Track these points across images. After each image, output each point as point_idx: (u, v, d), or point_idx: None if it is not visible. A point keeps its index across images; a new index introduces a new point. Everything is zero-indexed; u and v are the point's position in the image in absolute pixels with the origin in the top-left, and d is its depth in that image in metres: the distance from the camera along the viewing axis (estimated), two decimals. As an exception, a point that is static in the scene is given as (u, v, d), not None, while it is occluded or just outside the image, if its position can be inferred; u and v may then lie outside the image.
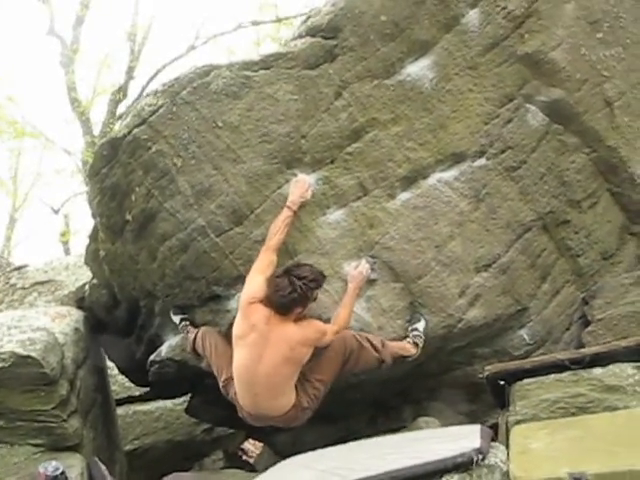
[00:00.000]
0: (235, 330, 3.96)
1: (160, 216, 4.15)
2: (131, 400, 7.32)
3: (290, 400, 3.94)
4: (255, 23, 12.81)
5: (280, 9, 12.76)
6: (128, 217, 4.25)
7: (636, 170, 4.85)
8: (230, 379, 4.08)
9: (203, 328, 4.35)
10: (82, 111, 12.94)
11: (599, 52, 4.72)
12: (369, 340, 4.15)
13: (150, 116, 4.03)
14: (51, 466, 4.15)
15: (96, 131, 12.92)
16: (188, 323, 4.47)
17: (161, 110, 4.03)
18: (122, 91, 12.92)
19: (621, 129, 4.82)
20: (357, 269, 4.20)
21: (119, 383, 7.20)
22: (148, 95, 4.11)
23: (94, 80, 14.61)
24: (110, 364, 6.46)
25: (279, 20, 12.66)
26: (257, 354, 3.85)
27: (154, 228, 4.22)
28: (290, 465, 3.72)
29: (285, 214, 4.06)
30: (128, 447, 6.93)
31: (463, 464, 3.05)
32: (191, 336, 4.38)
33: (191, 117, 4.06)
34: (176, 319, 4.53)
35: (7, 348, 4.40)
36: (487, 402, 4.52)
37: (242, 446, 7.96)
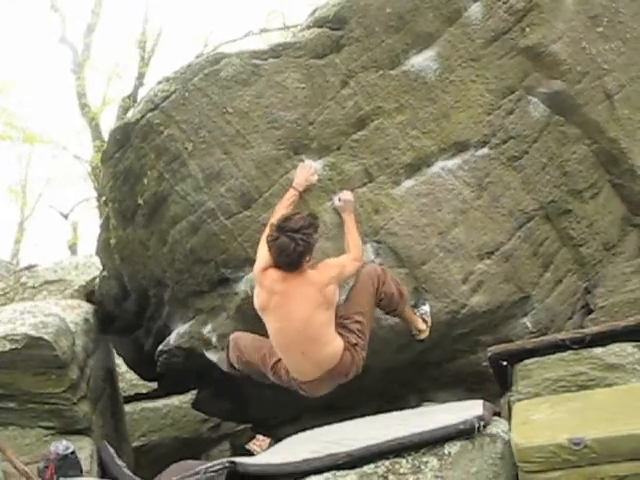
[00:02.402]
0: (257, 304, 3.93)
1: (171, 199, 4.26)
2: (138, 397, 7.43)
3: (338, 345, 3.86)
4: (263, 31, 13.03)
5: (287, 17, 12.96)
6: (140, 201, 4.36)
7: (636, 162, 4.90)
8: (277, 361, 3.99)
9: (231, 337, 4.28)
10: (92, 117, 13.12)
11: (599, 46, 4.81)
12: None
13: (162, 102, 4.16)
14: (62, 445, 4.24)
15: (106, 137, 13.06)
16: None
17: (173, 96, 4.16)
18: (132, 98, 13.09)
19: (621, 121, 4.89)
20: (341, 198, 4.24)
21: (127, 380, 7.31)
22: (161, 82, 4.24)
23: (104, 88, 14.84)
24: (118, 362, 6.56)
25: (287, 27, 12.85)
26: (285, 313, 3.80)
27: (165, 211, 4.33)
28: (297, 438, 3.80)
29: (290, 193, 4.17)
30: (135, 444, 7.02)
31: (465, 431, 3.14)
32: (224, 354, 4.37)
33: (202, 103, 4.19)
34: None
35: (20, 330, 4.51)
36: (491, 391, 4.56)
37: (247, 446, 8.03)
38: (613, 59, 4.86)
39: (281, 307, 3.81)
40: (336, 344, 3.85)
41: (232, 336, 4.28)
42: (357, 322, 3.95)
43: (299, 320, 3.78)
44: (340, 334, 3.90)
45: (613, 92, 4.86)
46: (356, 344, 3.90)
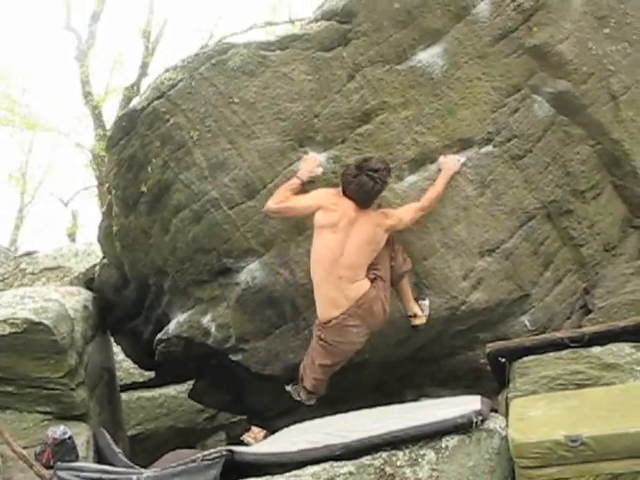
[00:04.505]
0: (323, 220, 4.12)
1: (175, 187, 4.28)
2: (135, 386, 7.44)
3: (366, 283, 4.17)
4: (268, 24, 13.01)
5: (293, 11, 12.94)
6: (143, 188, 4.37)
7: (639, 164, 4.93)
8: (323, 324, 4.17)
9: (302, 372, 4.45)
10: (95, 105, 13.12)
11: (605, 47, 4.81)
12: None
13: (169, 90, 4.17)
14: (60, 430, 4.26)
15: (108, 125, 13.05)
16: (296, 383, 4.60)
17: (180, 84, 4.17)
18: (135, 87, 13.08)
19: (625, 123, 4.90)
20: (448, 157, 4.46)
21: (124, 369, 7.32)
22: (168, 70, 4.25)
23: (107, 76, 14.81)
24: (115, 350, 6.56)
25: (292, 21, 12.83)
26: (345, 236, 4.10)
27: (168, 199, 4.34)
28: (295, 429, 3.81)
29: (293, 180, 4.21)
30: (131, 432, 7.04)
31: (463, 426, 3.15)
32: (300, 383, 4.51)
33: (209, 92, 4.20)
34: (289, 388, 4.67)
35: (20, 315, 4.53)
36: (488, 387, 4.57)
37: (242, 438, 8.04)
38: (619, 60, 4.87)
39: (345, 229, 4.10)
40: (365, 282, 4.18)
41: (303, 371, 4.44)
42: (376, 269, 4.23)
43: (354, 245, 4.11)
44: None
45: (618, 93, 4.87)
46: (375, 278, 4.20)
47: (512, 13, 4.63)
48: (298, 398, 4.60)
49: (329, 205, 4.14)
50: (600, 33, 4.82)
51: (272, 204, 4.12)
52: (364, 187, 4.11)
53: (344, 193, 4.19)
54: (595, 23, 4.82)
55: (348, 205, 4.15)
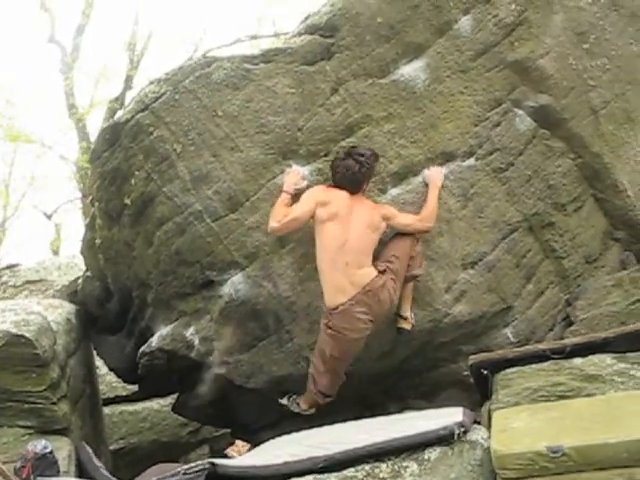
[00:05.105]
0: (323, 214, 4.20)
1: (158, 200, 4.28)
2: (118, 400, 7.37)
3: (373, 270, 4.25)
4: (253, 37, 13.06)
5: (278, 24, 12.99)
6: (127, 201, 4.37)
7: (619, 177, 4.99)
8: (330, 311, 4.22)
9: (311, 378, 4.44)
10: (79, 118, 13.08)
11: (585, 62, 4.89)
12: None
13: (153, 102, 4.18)
14: (40, 444, 4.19)
15: (92, 138, 13.02)
16: (292, 395, 4.63)
17: (164, 97, 4.18)
18: (120, 100, 13.06)
19: (605, 137, 4.97)
20: (432, 170, 4.53)
21: (106, 382, 7.25)
22: (152, 83, 4.26)
23: (92, 89, 14.78)
24: (98, 364, 6.52)
25: (277, 35, 12.89)
26: (346, 223, 4.21)
27: (152, 212, 4.34)
28: (279, 441, 3.80)
29: (283, 196, 4.23)
30: (113, 446, 6.96)
31: (445, 437, 3.17)
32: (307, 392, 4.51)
33: (192, 105, 4.21)
34: (284, 401, 4.67)
35: (2, 328, 4.49)
36: (472, 400, 4.60)
37: (226, 452, 7.99)
38: (599, 75, 4.94)
39: (346, 217, 4.21)
40: (372, 269, 4.26)
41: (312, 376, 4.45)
42: (389, 262, 4.31)
43: (354, 232, 4.21)
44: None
45: (598, 108, 4.95)
46: (384, 270, 4.27)
47: (493, 28, 4.69)
48: (297, 410, 4.59)
49: (324, 199, 4.23)
50: (580, 48, 4.89)
51: (275, 224, 4.15)
52: (351, 169, 4.24)
53: (334, 182, 4.31)
54: (575, 39, 4.89)
55: (341, 194, 4.26)
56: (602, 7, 4.97)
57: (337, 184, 4.31)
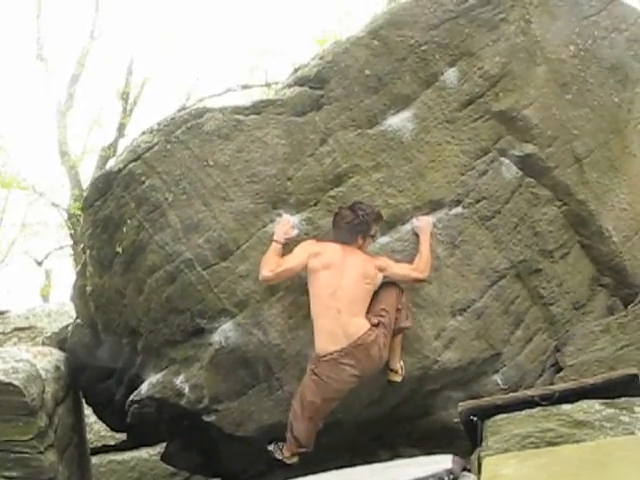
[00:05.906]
0: (317, 264, 4.25)
1: (149, 248, 4.32)
2: (106, 449, 7.27)
3: (365, 323, 4.25)
4: (245, 87, 13.27)
5: (270, 74, 13.20)
6: (118, 249, 4.40)
7: (604, 224, 5.07)
8: (319, 358, 4.22)
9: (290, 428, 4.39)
10: (72, 165, 13.17)
11: (569, 112, 5.01)
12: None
13: (145, 152, 4.26)
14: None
15: (85, 185, 13.09)
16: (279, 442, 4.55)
17: (156, 147, 4.26)
18: (112, 148, 13.19)
19: (590, 184, 5.07)
20: (420, 220, 4.58)
21: (95, 431, 7.16)
22: (144, 133, 4.34)
23: (85, 137, 14.91)
24: (87, 412, 6.45)
25: (268, 84, 13.10)
26: (340, 271, 4.24)
27: (143, 260, 4.37)
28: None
29: (274, 246, 4.28)
30: (101, 497, 6.86)
31: (435, 485, 3.15)
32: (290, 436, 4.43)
33: (184, 155, 4.29)
34: (270, 447, 4.60)
35: (-10, 375, 4.46)
36: (462, 447, 4.57)
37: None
38: (582, 125, 5.06)
39: (338, 267, 4.25)
40: (363, 321, 4.27)
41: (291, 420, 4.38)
42: (380, 315, 4.31)
43: (348, 280, 4.24)
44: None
45: (582, 156, 5.05)
46: (378, 324, 4.27)
47: (479, 80, 4.82)
48: (280, 457, 4.53)
49: (317, 250, 4.29)
50: (563, 99, 5.02)
51: (268, 273, 4.19)
52: (345, 218, 4.32)
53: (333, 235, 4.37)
54: (558, 90, 5.02)
55: (333, 246, 4.32)
56: (583, 59, 5.11)
57: (333, 232, 4.38)
